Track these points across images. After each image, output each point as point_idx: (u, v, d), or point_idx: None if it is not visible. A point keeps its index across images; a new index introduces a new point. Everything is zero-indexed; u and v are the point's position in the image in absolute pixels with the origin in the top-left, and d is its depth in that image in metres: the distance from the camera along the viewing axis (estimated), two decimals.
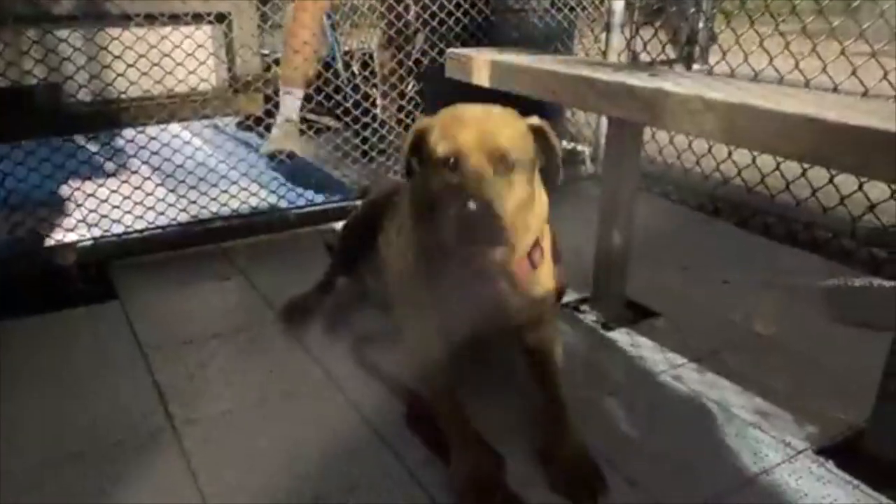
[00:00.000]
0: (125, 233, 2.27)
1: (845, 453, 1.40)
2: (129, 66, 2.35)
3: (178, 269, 2.26)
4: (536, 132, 1.39)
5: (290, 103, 2.94)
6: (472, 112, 1.36)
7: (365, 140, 2.97)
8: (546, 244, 1.51)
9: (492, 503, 1.24)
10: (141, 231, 2.30)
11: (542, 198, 1.47)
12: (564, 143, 3.23)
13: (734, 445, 1.44)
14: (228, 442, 1.45)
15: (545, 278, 1.51)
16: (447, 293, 1.43)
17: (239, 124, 3.73)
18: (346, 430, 1.49)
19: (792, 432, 1.48)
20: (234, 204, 2.51)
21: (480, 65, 2.20)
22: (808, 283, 2.16)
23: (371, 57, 3.25)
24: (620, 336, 1.87)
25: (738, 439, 1.46)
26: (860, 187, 2.18)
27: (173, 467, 1.37)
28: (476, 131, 1.29)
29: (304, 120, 3.13)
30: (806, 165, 2.18)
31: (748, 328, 1.91)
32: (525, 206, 1.36)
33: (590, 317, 1.96)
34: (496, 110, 1.38)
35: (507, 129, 1.33)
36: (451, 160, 1.28)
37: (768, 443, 1.45)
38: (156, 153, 2.44)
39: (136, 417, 1.52)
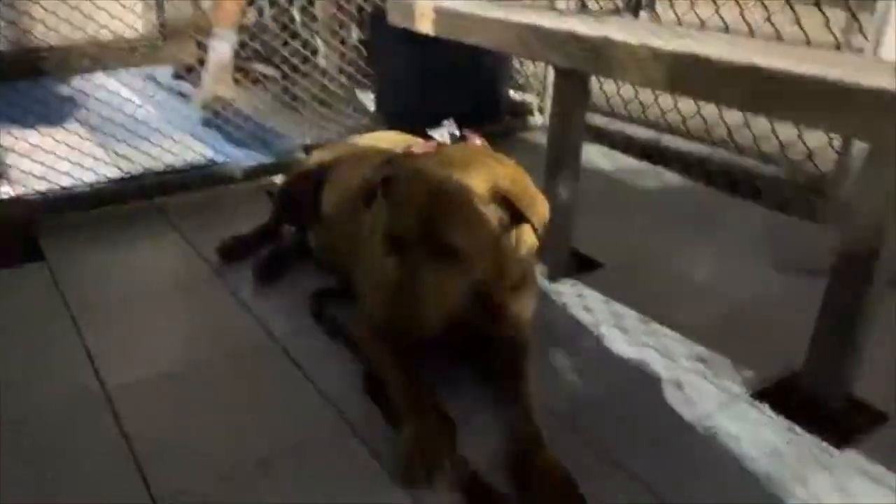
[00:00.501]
0: (51, 190, 2.15)
1: (780, 396, 1.44)
2: (48, 11, 2.19)
3: (109, 228, 2.15)
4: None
5: (221, 46, 2.79)
6: (428, 184, 1.25)
7: (305, 90, 2.87)
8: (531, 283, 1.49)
9: (437, 467, 1.21)
10: (68, 188, 2.17)
11: (524, 243, 1.39)
12: (512, 93, 3.19)
13: (674, 393, 1.46)
14: (165, 405, 1.41)
15: (526, 299, 1.47)
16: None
17: (176, 75, 3.56)
18: (290, 389, 1.46)
19: (730, 377, 1.51)
20: (168, 158, 2.39)
21: (423, 11, 2.12)
22: (748, 231, 2.20)
23: (311, 2, 3.12)
24: (565, 287, 1.87)
25: (678, 386, 1.48)
26: (799, 136, 2.21)
27: (104, 431, 1.32)
28: (423, 219, 1.23)
29: (239, 69, 3.00)
30: (748, 115, 2.19)
31: (690, 278, 1.94)
32: (497, 269, 1.34)
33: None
34: (453, 186, 1.24)
35: (460, 212, 1.24)
36: (396, 239, 1.26)
37: (706, 389, 1.48)
38: (82, 105, 2.30)
39: (64, 383, 1.46)
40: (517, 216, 1.30)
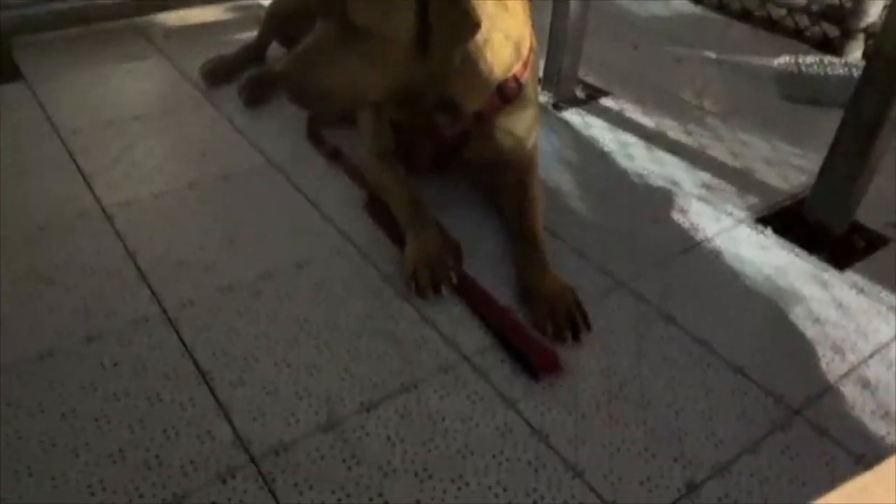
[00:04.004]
0: (26, 4, 1.99)
1: (784, 221, 1.44)
2: None
3: (90, 48, 2.03)
4: None
5: None
6: None
7: None
8: (528, 74, 1.34)
9: (443, 278, 1.21)
10: (45, 3, 2.02)
11: (497, 56, 1.25)
12: None
13: (678, 218, 1.46)
14: (164, 223, 1.38)
15: (521, 119, 1.36)
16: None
17: None
18: (291, 210, 1.43)
19: (734, 203, 1.50)
20: None
21: None
22: (759, 60, 2.12)
23: None
24: (572, 116, 1.82)
25: (683, 212, 1.48)
26: None
27: (109, 249, 1.30)
28: None
29: None
30: None
31: (699, 105, 1.88)
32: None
33: (541, 98, 1.89)
34: None
35: None
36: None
37: (710, 214, 1.47)
38: None
39: (61, 202, 1.42)
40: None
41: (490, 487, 0.92)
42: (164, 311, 1.17)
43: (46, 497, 0.89)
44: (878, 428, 1.03)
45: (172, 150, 1.62)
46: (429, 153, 1.39)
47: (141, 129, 1.68)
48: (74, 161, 1.55)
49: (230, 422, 0.99)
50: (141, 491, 0.90)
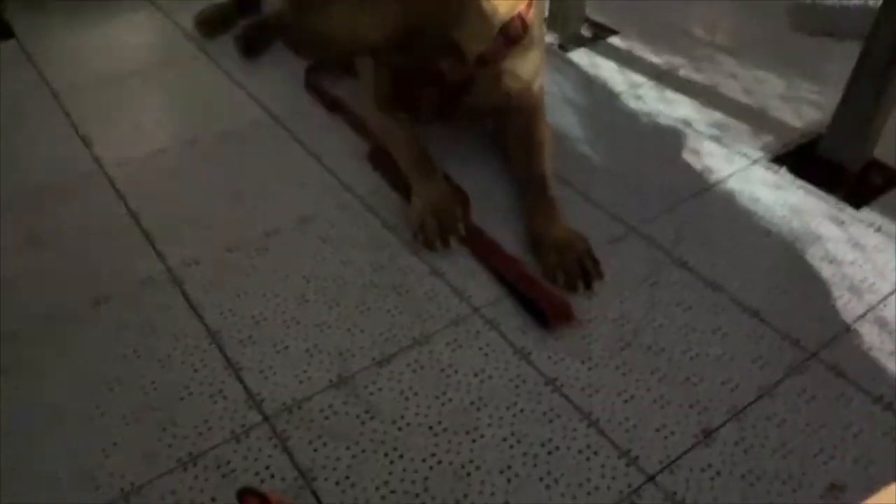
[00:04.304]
0: None
1: (799, 159, 1.40)
2: None
3: (80, 3, 1.97)
4: None
5: None
6: None
7: None
8: (533, 13, 1.28)
9: (451, 229, 1.19)
10: None
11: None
12: None
13: (690, 160, 1.42)
14: (165, 180, 1.36)
15: (526, 61, 1.30)
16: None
17: None
18: (293, 164, 1.40)
19: (748, 143, 1.46)
20: None
21: None
22: None
23: None
24: (579, 57, 1.76)
25: (695, 153, 1.44)
26: None
27: (111, 209, 1.29)
28: None
29: None
30: None
31: (710, 42, 1.82)
32: None
33: (546, 38, 1.82)
34: None
35: None
36: None
37: (724, 154, 1.43)
38: None
39: (59, 163, 1.40)
40: None
41: (505, 439, 0.92)
42: (170, 271, 1.16)
43: (61, 462, 0.89)
44: None
45: (170, 106, 1.58)
46: (432, 100, 1.35)
47: (136, 84, 1.65)
48: (70, 120, 1.52)
49: (241, 381, 0.99)
50: (156, 451, 0.90)
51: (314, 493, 0.86)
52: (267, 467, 0.89)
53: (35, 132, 1.48)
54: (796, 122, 1.51)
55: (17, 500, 0.85)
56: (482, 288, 1.13)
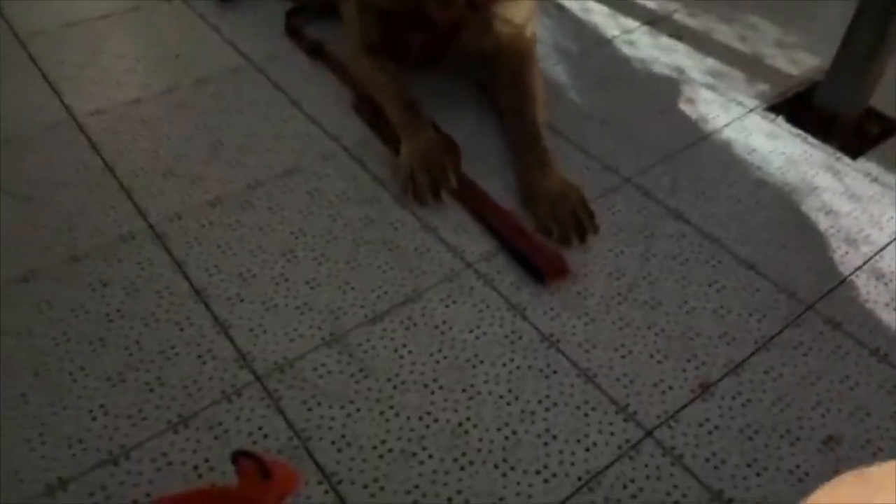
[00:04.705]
0: None
1: (796, 109, 1.38)
2: None
3: None
4: None
5: None
6: None
7: None
8: None
9: (442, 181, 1.15)
10: None
11: None
12: None
13: (685, 108, 1.39)
14: (142, 132, 1.30)
15: (518, 5, 1.26)
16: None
17: None
18: (275, 113, 1.35)
19: (743, 91, 1.43)
20: None
21: None
22: None
23: None
24: (570, 3, 1.70)
25: (690, 102, 1.40)
26: None
27: (86, 161, 1.23)
28: None
29: None
30: None
31: None
32: None
33: None
34: None
35: None
36: None
37: (720, 103, 1.40)
38: None
39: (28, 113, 1.32)
40: None
41: (501, 396, 0.91)
42: (151, 227, 1.11)
43: (45, 425, 0.86)
44: (893, 320, 1.01)
45: (144, 52, 1.51)
46: (419, 44, 1.29)
47: (107, 29, 1.56)
48: (38, 67, 1.44)
49: (231, 340, 0.96)
50: (144, 413, 0.88)
51: (309, 454, 0.84)
52: (260, 428, 0.87)
53: (5, 82, 1.40)
54: (792, 70, 1.48)
55: (4, 465, 0.82)
56: (475, 242, 1.10)
